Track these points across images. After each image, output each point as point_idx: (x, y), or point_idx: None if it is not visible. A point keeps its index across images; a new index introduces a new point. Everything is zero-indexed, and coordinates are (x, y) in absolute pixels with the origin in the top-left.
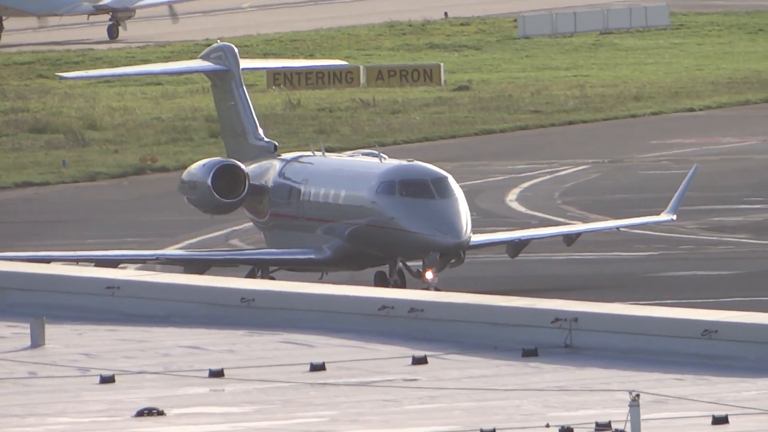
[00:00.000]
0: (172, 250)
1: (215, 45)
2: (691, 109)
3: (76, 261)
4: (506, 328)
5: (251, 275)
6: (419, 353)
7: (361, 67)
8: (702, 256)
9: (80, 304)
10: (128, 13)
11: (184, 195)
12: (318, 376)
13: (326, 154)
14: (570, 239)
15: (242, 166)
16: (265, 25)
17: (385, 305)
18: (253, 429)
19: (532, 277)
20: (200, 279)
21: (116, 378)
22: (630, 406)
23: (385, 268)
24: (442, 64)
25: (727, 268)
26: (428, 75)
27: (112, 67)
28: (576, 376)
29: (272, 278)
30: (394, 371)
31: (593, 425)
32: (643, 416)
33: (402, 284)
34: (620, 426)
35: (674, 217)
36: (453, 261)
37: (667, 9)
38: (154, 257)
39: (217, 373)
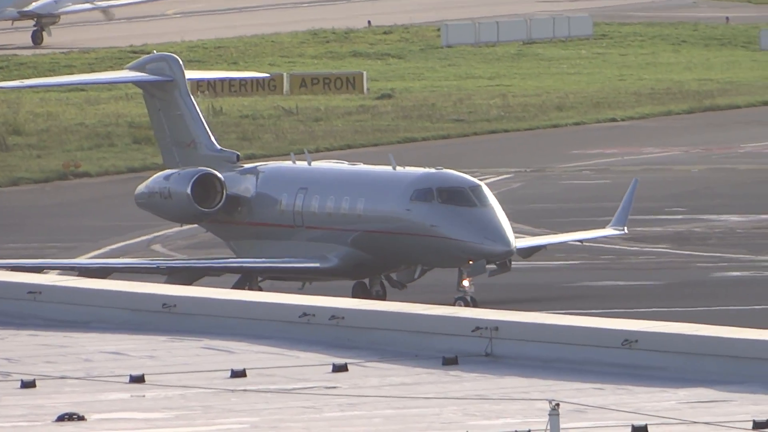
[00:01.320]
0: (159, 259)
1: (154, 55)
2: (614, 120)
3: (71, 269)
4: (427, 336)
5: (239, 285)
6: (340, 361)
7: (285, 74)
8: (623, 266)
9: (1, 309)
10: (53, 18)
11: (145, 205)
12: (239, 382)
13: (312, 163)
14: (529, 252)
15: (219, 175)
16: (189, 32)
17: (306, 312)
18: None
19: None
20: (122, 284)
21: (37, 383)
22: (550, 415)
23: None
24: (365, 73)
25: (648, 279)
26: (351, 83)
27: (37, 72)
28: (496, 385)
29: (260, 289)
30: (314, 378)
31: None
32: (562, 425)
33: (383, 296)
34: None
35: (626, 230)
36: (495, 269)
37: (591, 19)
38: (155, 266)
39: (138, 379)
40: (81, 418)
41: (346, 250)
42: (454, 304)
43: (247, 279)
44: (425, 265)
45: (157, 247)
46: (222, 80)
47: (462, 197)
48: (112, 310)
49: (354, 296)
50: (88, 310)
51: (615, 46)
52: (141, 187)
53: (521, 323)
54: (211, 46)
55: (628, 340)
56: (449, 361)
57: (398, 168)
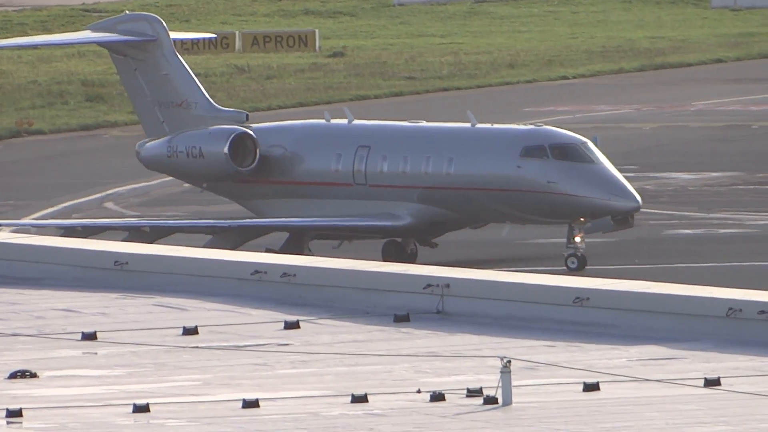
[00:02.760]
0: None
1: (128, 15)
2: (565, 77)
3: (128, 229)
4: (378, 293)
5: (289, 245)
6: (291, 318)
7: (237, 32)
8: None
9: None
10: None
11: (159, 165)
12: (191, 339)
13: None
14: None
15: (252, 134)
16: None
17: (258, 270)
18: (125, 392)
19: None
20: (74, 242)
21: None
22: (501, 372)
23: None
24: (317, 30)
25: (600, 236)
26: (303, 41)
27: None
28: (447, 342)
29: (310, 250)
30: (266, 335)
31: (464, 391)
32: (514, 382)
33: (416, 254)
34: (491, 392)
35: None
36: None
37: None
38: (227, 225)
39: (90, 336)
40: (33, 375)
41: (421, 207)
42: (565, 261)
43: (298, 238)
44: (532, 221)
45: (110, 204)
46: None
47: (577, 153)
48: (64, 268)
49: (384, 255)
50: (41, 268)
51: (566, 4)
52: (153, 147)
53: (473, 280)
54: (163, 4)
55: (580, 297)
56: (401, 319)
57: (481, 125)
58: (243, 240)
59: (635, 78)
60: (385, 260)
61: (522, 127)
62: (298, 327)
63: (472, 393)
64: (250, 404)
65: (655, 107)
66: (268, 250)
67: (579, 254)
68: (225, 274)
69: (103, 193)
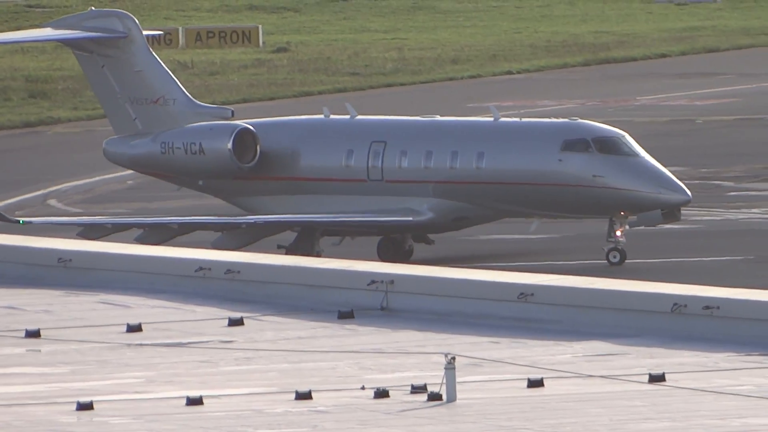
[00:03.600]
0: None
1: (95, 11)
2: (509, 72)
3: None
4: (322, 290)
5: (299, 242)
6: (236, 315)
7: (180, 28)
8: (520, 219)
9: None
10: None
11: (150, 164)
12: (134, 337)
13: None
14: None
15: (253, 129)
16: None
17: (202, 267)
18: (69, 389)
19: (346, 240)
20: (17, 239)
21: None
22: (445, 368)
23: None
24: (260, 26)
25: (545, 232)
26: (247, 36)
27: None
28: (392, 339)
29: (319, 252)
30: (210, 332)
31: (409, 387)
32: (458, 379)
33: (412, 251)
34: (436, 388)
35: None
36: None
37: None
38: (252, 221)
39: (34, 334)
40: None
41: (444, 202)
42: (607, 255)
43: (309, 235)
44: (566, 216)
45: (53, 201)
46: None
47: (620, 146)
48: (7, 265)
49: (380, 252)
50: None
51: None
52: (139, 145)
53: (417, 277)
54: (106, 0)
55: (524, 293)
56: (345, 315)
57: (506, 119)
58: (254, 237)
59: (580, 73)
60: (381, 258)
61: (555, 120)
62: (242, 324)
63: (417, 389)
64: (194, 401)
65: (600, 102)
66: (280, 248)
67: (620, 248)
68: (169, 271)
69: (47, 190)
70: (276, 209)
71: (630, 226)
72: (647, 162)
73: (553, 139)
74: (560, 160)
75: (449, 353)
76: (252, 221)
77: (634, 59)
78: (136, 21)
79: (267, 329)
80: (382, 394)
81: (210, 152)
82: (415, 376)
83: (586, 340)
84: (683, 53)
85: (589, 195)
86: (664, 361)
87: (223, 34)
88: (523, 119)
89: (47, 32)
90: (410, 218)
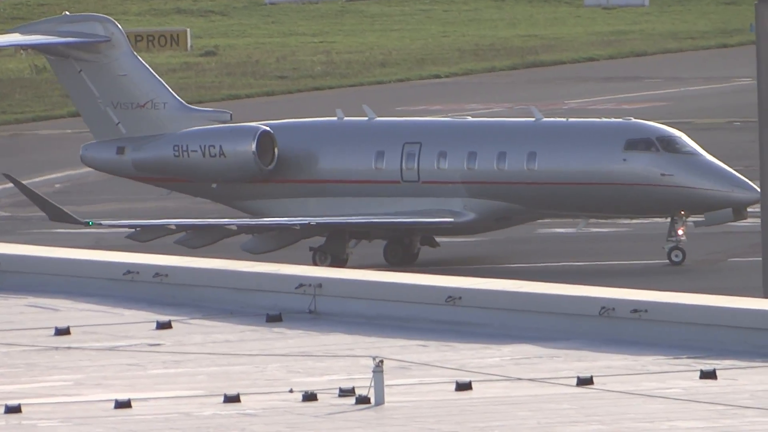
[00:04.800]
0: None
1: (71, 15)
2: (437, 76)
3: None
4: (251, 293)
5: (329, 244)
6: (164, 318)
7: None
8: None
9: None
10: None
11: (161, 168)
12: (63, 340)
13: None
14: None
15: (272, 132)
16: None
17: (130, 270)
18: None
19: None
20: None
21: None
22: (374, 371)
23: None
24: (188, 30)
25: (473, 236)
26: (175, 40)
27: None
28: (320, 342)
29: (349, 255)
30: (138, 336)
31: (337, 391)
32: (386, 382)
33: (418, 253)
34: (364, 392)
35: None
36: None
37: None
38: (306, 222)
39: None
40: None
41: (485, 203)
42: (669, 254)
43: (339, 237)
44: (622, 216)
45: None
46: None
47: (682, 145)
48: None
49: (387, 256)
50: None
51: (438, 3)
52: (147, 149)
53: (345, 280)
54: (34, 3)
55: (452, 297)
56: (273, 318)
57: (550, 119)
58: (289, 240)
59: (507, 76)
60: (388, 261)
61: (610, 120)
62: (171, 327)
63: (345, 393)
64: (123, 404)
65: (527, 106)
66: (312, 249)
67: (682, 247)
68: (97, 274)
69: None
70: (296, 212)
71: (698, 225)
72: (713, 160)
73: (614, 138)
74: (625, 160)
75: (377, 356)
76: (306, 223)
77: (562, 63)
78: (119, 25)
79: (195, 332)
80: (310, 397)
81: (232, 155)
82: (343, 380)
83: (514, 343)
84: (611, 57)
85: (656, 194)
86: (592, 365)
87: (151, 38)
88: (570, 119)
89: (14, 38)
90: (451, 219)
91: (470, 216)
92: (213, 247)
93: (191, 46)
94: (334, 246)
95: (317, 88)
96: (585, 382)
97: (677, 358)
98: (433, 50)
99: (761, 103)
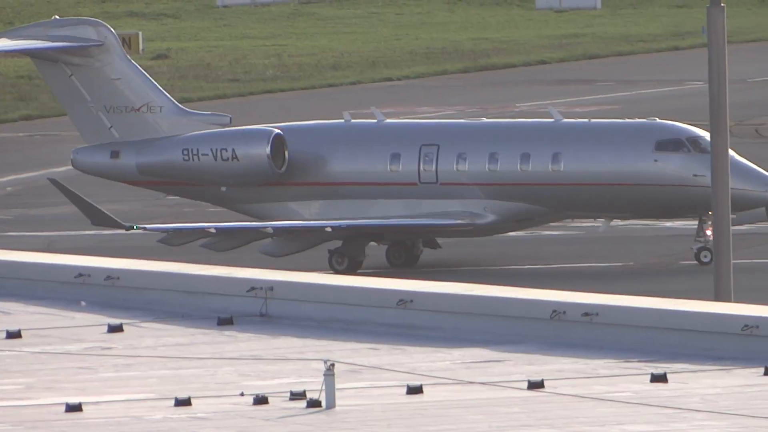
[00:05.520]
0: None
1: (61, 19)
2: (389, 79)
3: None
4: (202, 296)
5: (344, 249)
6: (115, 321)
7: None
8: None
9: None
10: None
11: (172, 173)
12: (14, 343)
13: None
14: None
15: (282, 135)
16: None
17: (82, 273)
18: None
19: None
20: None
21: None
22: (325, 375)
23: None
24: (140, 33)
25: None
26: (127, 43)
27: None
28: (271, 345)
29: (363, 259)
30: (90, 339)
31: (288, 394)
32: (337, 385)
33: (419, 255)
34: (315, 395)
35: None
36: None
37: None
38: (337, 226)
39: None
40: None
41: (506, 204)
42: (697, 255)
43: (359, 240)
44: (645, 217)
45: None
46: None
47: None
48: None
49: (390, 257)
50: None
51: (390, 6)
52: (152, 153)
53: (296, 283)
54: None
55: (403, 300)
56: (224, 322)
57: (570, 120)
58: (310, 243)
59: (459, 79)
60: (390, 263)
61: (637, 120)
62: (122, 330)
63: (296, 396)
64: (74, 408)
65: (479, 108)
66: (330, 252)
67: (710, 247)
68: (49, 277)
69: None
70: (308, 215)
71: (733, 225)
72: (742, 160)
73: (644, 138)
74: (656, 161)
75: (328, 360)
76: (336, 226)
77: (514, 66)
78: (111, 29)
79: (146, 336)
80: (261, 400)
81: (246, 158)
82: (294, 383)
83: (465, 346)
84: (563, 60)
85: (688, 195)
86: (543, 368)
87: None
88: (592, 120)
89: (4, 43)
90: (471, 221)
91: (490, 218)
92: (165, 250)
93: (143, 50)
94: (351, 248)
95: (269, 91)
96: (536, 385)
97: (628, 362)
98: (385, 53)
99: (713, 107)
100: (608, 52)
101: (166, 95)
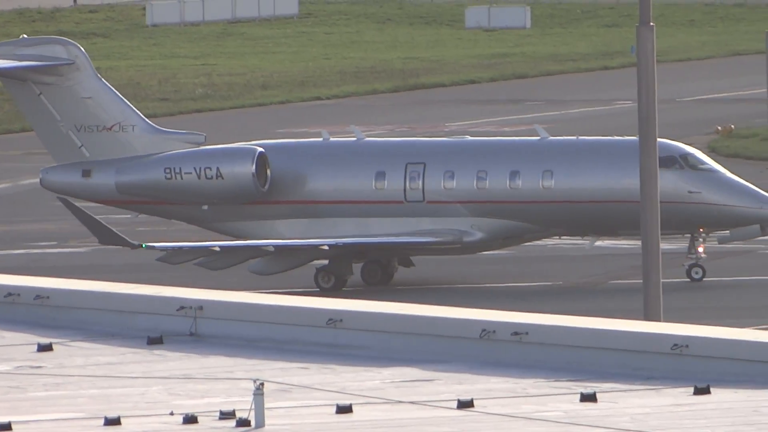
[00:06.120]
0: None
1: (30, 38)
2: (319, 98)
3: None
4: (132, 315)
5: (330, 267)
6: (45, 340)
7: None
8: None
9: None
10: None
11: (152, 192)
12: None
13: (365, 138)
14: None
15: (264, 153)
16: None
17: (11, 292)
18: None
19: (160, 266)
20: None
21: None
22: (254, 394)
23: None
24: None
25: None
26: None
27: None
28: (201, 364)
29: (345, 281)
30: (19, 358)
31: (217, 413)
32: (267, 405)
33: (393, 274)
34: (244, 414)
35: None
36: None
37: None
38: (333, 243)
39: None
40: None
41: (495, 222)
42: (689, 272)
43: (346, 258)
44: (632, 234)
45: None
46: None
47: (702, 162)
48: None
49: (365, 275)
50: None
51: (320, 25)
52: (131, 171)
53: (225, 302)
54: None
55: (333, 319)
56: (154, 341)
57: (556, 137)
58: (301, 261)
59: (389, 99)
60: (365, 281)
61: (622, 138)
62: (52, 350)
63: (225, 415)
64: (3, 427)
65: (408, 128)
66: (317, 269)
67: (701, 264)
68: None
69: None
70: (290, 234)
71: (722, 242)
72: (733, 176)
73: (637, 155)
74: None
75: (258, 379)
76: (333, 244)
77: (443, 85)
78: (81, 48)
79: (76, 355)
80: (190, 419)
81: (230, 176)
82: (223, 402)
83: (395, 366)
84: (492, 79)
85: (683, 212)
86: (472, 387)
87: None
88: (580, 138)
89: (17, 61)
90: (459, 239)
91: (478, 235)
92: (95, 269)
93: None
94: (338, 266)
95: (199, 110)
96: (465, 405)
97: (558, 381)
98: (314, 72)
99: (642, 126)
100: (538, 72)
101: (138, 114)
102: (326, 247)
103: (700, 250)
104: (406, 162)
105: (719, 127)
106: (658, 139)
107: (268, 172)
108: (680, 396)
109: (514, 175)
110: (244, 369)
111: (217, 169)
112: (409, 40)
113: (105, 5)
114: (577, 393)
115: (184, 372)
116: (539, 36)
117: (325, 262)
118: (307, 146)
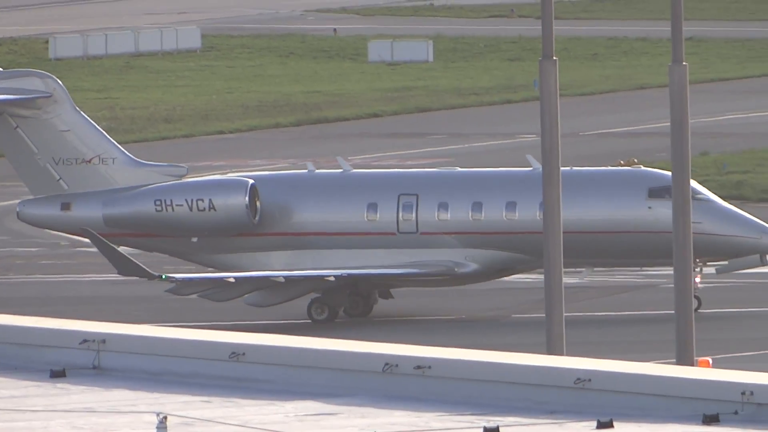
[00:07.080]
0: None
1: (6, 71)
2: (221, 132)
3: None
4: (35, 348)
5: (322, 300)
6: None
7: None
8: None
9: None
10: None
11: (141, 224)
12: None
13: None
14: None
15: (255, 185)
16: None
17: None
18: None
19: (63, 298)
20: None
21: None
22: (157, 428)
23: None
24: None
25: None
26: None
27: None
28: (104, 398)
29: (337, 313)
30: None
31: None
32: None
33: (372, 306)
34: None
35: None
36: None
37: (199, 31)
38: (337, 275)
39: None
40: None
41: (490, 253)
42: None
43: (338, 289)
44: (632, 264)
45: None
46: None
47: (699, 192)
48: None
49: (347, 307)
50: None
51: (223, 59)
52: (118, 204)
53: (129, 336)
54: None
55: (236, 352)
56: (57, 374)
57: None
58: (293, 295)
59: (291, 132)
60: (347, 313)
61: (621, 168)
62: None
63: None
64: None
65: (311, 161)
66: (311, 301)
67: (697, 295)
68: None
69: None
70: (280, 265)
71: (720, 273)
72: (730, 206)
73: (637, 186)
74: (650, 208)
75: (161, 412)
76: (338, 275)
77: (346, 119)
78: (59, 81)
79: None
80: None
81: (223, 208)
82: None
83: (298, 399)
84: (395, 113)
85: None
86: (375, 421)
87: None
88: (574, 168)
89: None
90: (454, 269)
91: (472, 267)
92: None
93: None
94: (332, 298)
95: None
96: None
97: (461, 415)
98: (217, 106)
99: (545, 159)
100: (440, 105)
101: (118, 147)
102: (332, 278)
103: (697, 280)
104: (398, 193)
105: (621, 161)
106: (654, 170)
107: (258, 203)
108: (583, 430)
109: (510, 205)
110: (147, 402)
111: (210, 200)
112: (312, 74)
113: (8, 38)
114: (480, 427)
115: (87, 405)
116: (442, 69)
117: (320, 293)
118: (293, 178)
